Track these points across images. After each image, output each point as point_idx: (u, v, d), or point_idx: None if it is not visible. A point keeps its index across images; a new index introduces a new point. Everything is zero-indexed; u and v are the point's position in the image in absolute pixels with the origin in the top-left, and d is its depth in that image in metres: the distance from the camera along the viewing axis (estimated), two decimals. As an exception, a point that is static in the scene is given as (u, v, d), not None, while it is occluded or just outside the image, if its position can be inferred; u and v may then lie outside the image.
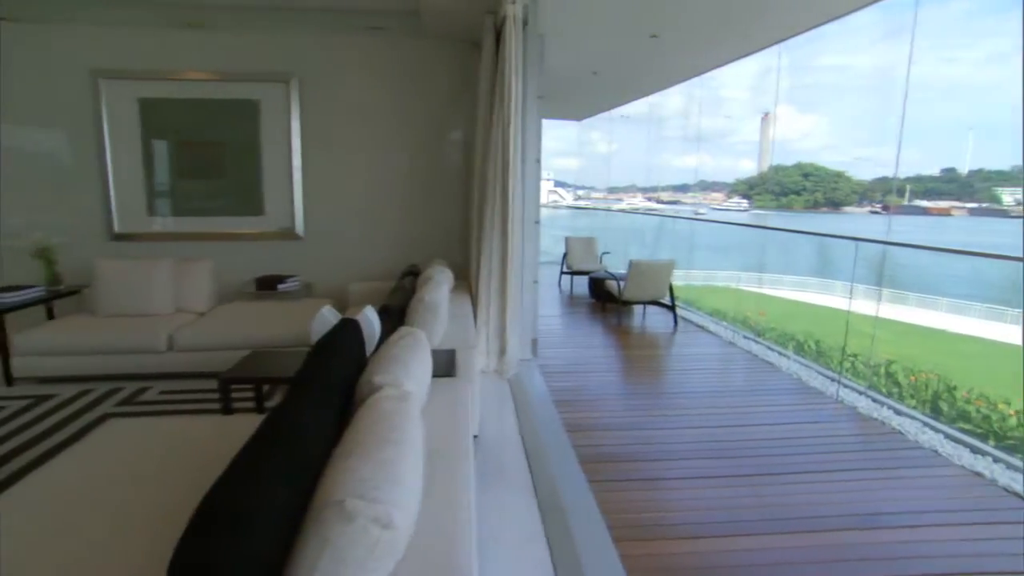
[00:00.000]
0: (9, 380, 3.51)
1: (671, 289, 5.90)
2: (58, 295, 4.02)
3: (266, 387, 2.80)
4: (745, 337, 5.30)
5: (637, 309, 6.31)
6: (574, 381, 4.02)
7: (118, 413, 3.11)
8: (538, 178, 3.83)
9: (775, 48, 5.17)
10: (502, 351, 3.38)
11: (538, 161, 3.77)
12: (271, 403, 2.97)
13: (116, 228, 4.47)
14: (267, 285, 4.39)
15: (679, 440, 3.10)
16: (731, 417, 3.46)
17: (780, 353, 4.83)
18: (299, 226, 4.63)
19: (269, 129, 4.50)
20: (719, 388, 4.07)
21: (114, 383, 3.56)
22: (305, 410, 1.24)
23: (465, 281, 4.12)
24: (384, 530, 0.92)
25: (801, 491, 2.57)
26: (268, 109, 4.47)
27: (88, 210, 4.45)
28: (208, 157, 4.53)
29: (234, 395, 2.64)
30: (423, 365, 1.62)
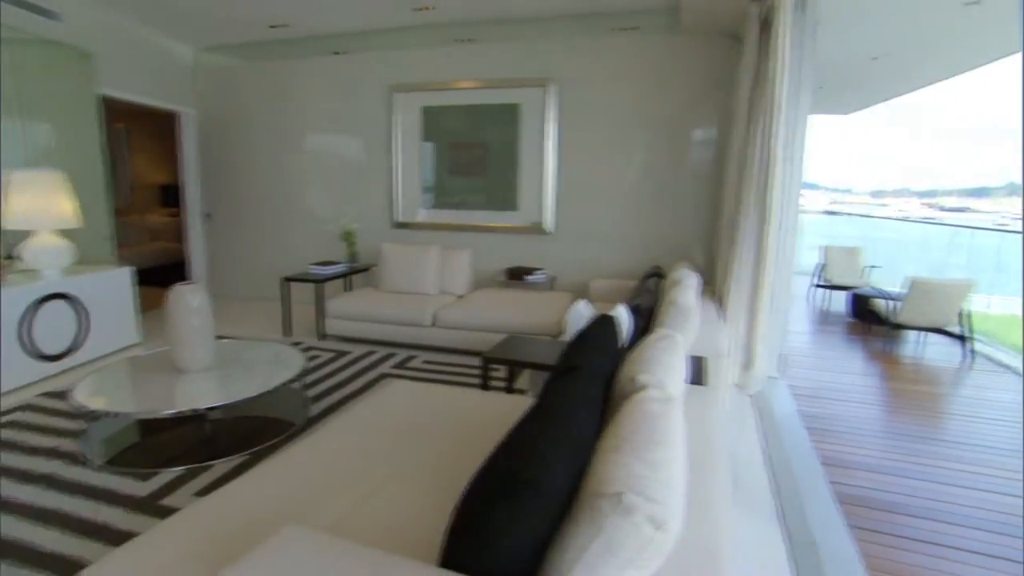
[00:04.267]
0: (322, 335, 4.44)
1: (964, 316, 4.83)
2: (355, 271, 4.96)
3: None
4: (1075, 387, 4.09)
5: (911, 336, 5.32)
6: (826, 408, 3.56)
7: (393, 374, 3.70)
8: (800, 181, 3.46)
9: None
10: (748, 364, 3.15)
11: (802, 161, 3.41)
12: (517, 384, 3.22)
13: (397, 217, 5.31)
14: (516, 275, 4.79)
15: (966, 502, 2.53)
16: (1050, 488, 2.70)
17: None
18: (548, 222, 4.92)
19: (527, 131, 4.86)
20: (1030, 447, 3.21)
21: (390, 349, 4.25)
22: (574, 397, 1.31)
23: (708, 286, 3.94)
24: (657, 531, 0.92)
25: None
26: (527, 112, 4.83)
27: (378, 202, 5.38)
28: (472, 157, 5.08)
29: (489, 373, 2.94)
30: (680, 370, 1.60)
